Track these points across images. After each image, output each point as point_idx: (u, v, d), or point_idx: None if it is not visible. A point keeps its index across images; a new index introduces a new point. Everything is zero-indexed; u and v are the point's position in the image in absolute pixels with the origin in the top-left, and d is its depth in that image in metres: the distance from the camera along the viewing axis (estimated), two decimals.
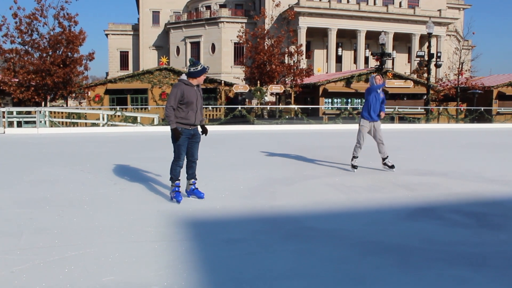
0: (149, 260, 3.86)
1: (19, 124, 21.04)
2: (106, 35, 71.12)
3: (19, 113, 21.17)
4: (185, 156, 5.90)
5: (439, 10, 59.51)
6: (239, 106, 23.96)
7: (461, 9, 69.78)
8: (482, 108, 26.56)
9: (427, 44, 29.62)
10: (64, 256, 3.91)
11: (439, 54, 28.43)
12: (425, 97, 29.71)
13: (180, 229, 4.76)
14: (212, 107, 30.71)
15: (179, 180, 5.90)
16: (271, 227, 4.86)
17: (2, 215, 5.24)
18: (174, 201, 5.83)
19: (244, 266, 3.77)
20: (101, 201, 5.98)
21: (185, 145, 5.79)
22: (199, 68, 5.66)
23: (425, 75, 36.44)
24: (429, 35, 27.71)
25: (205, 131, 6.09)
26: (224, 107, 28.62)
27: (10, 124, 20.00)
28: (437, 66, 28.14)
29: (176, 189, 5.87)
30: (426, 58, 28.46)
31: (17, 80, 25.37)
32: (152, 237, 4.48)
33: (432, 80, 31.96)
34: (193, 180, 6.08)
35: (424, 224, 5.06)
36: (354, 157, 8.48)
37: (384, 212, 5.57)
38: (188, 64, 5.89)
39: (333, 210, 5.57)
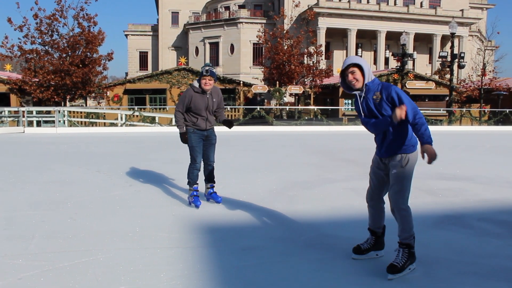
0: (162, 268, 3.68)
1: (39, 124, 21.20)
2: (126, 35, 71.71)
3: (38, 112, 21.31)
4: (202, 159, 5.69)
5: (462, 10, 58.42)
6: (258, 107, 23.74)
7: (484, 9, 68.47)
8: (507, 110, 25.80)
9: (449, 44, 29.06)
10: (74, 262, 3.76)
11: (462, 55, 27.73)
12: (447, 98, 29.10)
13: (195, 235, 4.57)
14: (230, 108, 30.53)
15: (197, 184, 5.69)
16: (290, 234, 4.64)
17: (14, 217, 5.12)
18: (192, 206, 5.64)
19: (261, 276, 3.55)
20: (115, 203, 5.83)
21: (199, 146, 5.57)
22: (200, 71, 5.41)
23: (447, 76, 35.75)
24: (452, 35, 27.14)
25: (228, 124, 5.66)
26: (243, 108, 28.45)
27: (30, 123, 20.17)
28: (461, 67, 27.50)
29: (194, 193, 5.66)
30: (449, 58, 27.88)
31: (37, 80, 25.61)
32: (165, 243, 4.30)
33: (455, 81, 31.27)
34: (210, 183, 5.86)
35: (452, 233, 4.76)
36: None
37: None
38: None
39: (354, 216, 5.31)
